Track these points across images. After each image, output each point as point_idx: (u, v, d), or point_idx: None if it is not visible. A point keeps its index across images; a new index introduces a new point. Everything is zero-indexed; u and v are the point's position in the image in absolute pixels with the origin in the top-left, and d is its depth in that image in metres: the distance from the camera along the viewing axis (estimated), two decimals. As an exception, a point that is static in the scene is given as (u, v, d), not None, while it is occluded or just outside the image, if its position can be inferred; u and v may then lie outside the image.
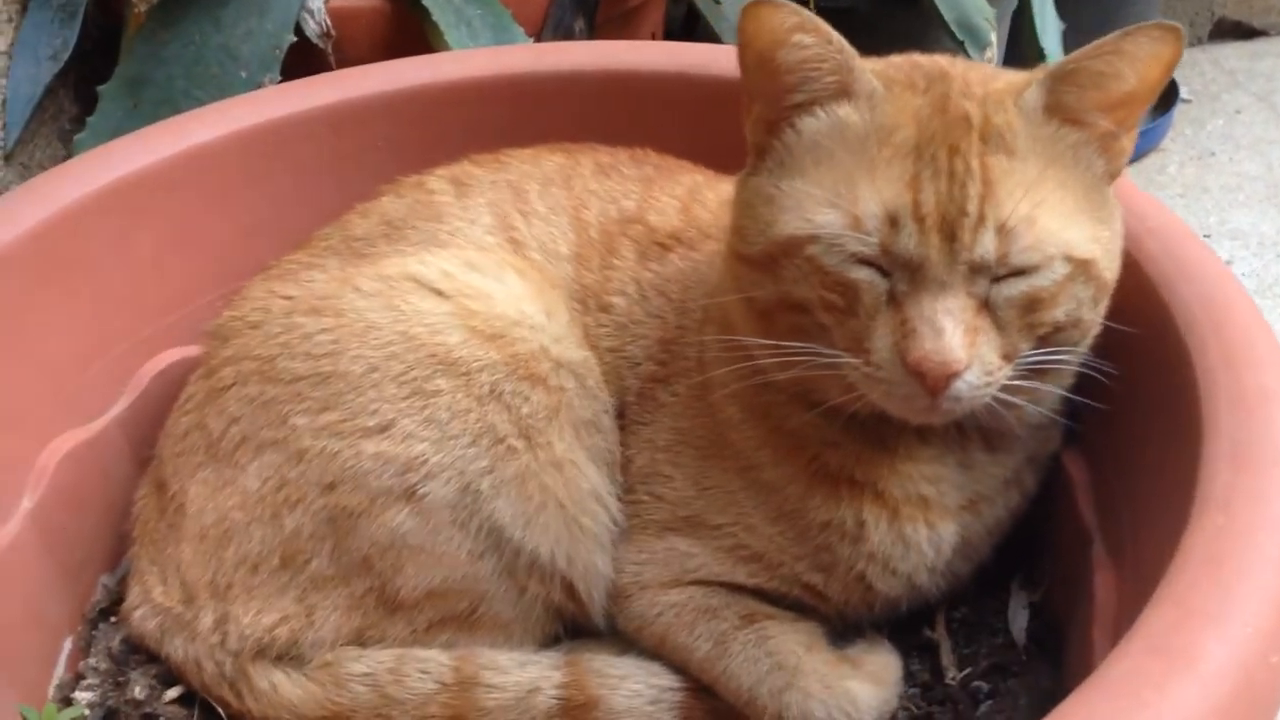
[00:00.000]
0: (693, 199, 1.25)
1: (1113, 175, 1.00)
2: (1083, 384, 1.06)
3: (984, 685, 1.14)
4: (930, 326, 0.92)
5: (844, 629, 1.16)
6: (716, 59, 1.43)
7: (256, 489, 1.13)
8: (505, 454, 1.09)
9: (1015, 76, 1.01)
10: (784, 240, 0.98)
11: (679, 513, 1.14)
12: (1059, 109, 0.96)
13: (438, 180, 1.28)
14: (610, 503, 1.15)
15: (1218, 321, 0.97)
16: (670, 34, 2.51)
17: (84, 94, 2.19)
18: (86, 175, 1.27)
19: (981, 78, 1.00)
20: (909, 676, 1.15)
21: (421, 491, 1.08)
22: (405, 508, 1.09)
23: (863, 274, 0.95)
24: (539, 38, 1.90)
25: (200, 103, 1.76)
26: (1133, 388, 1.04)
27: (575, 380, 1.15)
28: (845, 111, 0.98)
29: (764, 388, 1.07)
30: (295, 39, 1.81)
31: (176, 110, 1.77)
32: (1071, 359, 1.01)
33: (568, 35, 1.94)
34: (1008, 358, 0.96)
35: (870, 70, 0.99)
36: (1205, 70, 3.43)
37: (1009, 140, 0.95)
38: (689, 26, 2.73)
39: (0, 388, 1.17)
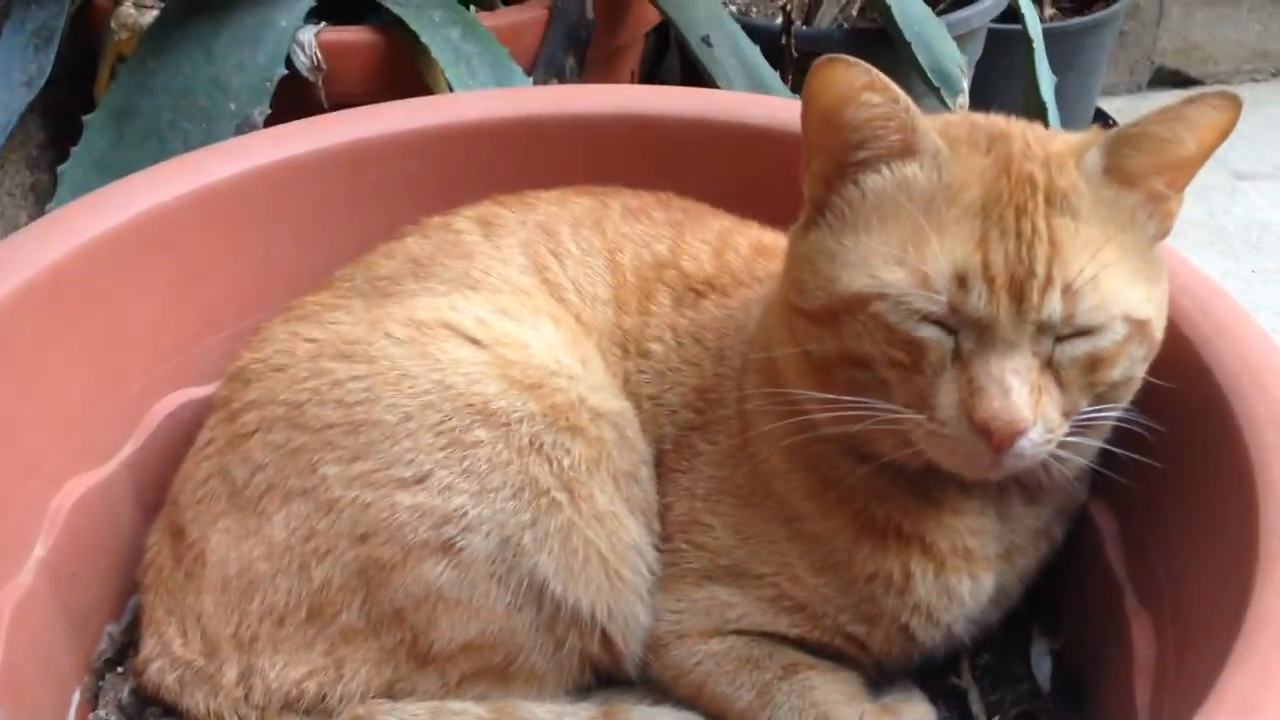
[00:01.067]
0: (724, 244, 1.25)
1: (1161, 236, 1.03)
2: (1115, 436, 1.08)
3: (1015, 733, 1.15)
4: (998, 386, 0.93)
5: (876, 677, 1.16)
6: (738, 106, 1.44)
7: (284, 539, 1.10)
8: (548, 507, 1.08)
9: (1072, 138, 1.03)
10: (849, 297, 0.99)
11: (720, 561, 1.14)
12: (1118, 172, 0.99)
13: (464, 220, 1.27)
14: (648, 553, 1.15)
15: (1258, 377, 1.00)
16: (642, 71, 2.54)
17: (53, 120, 2.14)
18: (103, 212, 1.24)
19: (1040, 139, 1.02)
20: (940, 725, 1.16)
21: (460, 544, 1.07)
22: (442, 561, 1.07)
23: (929, 332, 0.96)
24: (532, 75, 1.90)
25: (187, 134, 1.75)
26: (1166, 440, 1.06)
27: (614, 431, 1.14)
28: (911, 170, 1.00)
29: (812, 439, 1.07)
30: (286, 72, 1.80)
31: (163, 142, 1.75)
32: (1116, 414, 1.03)
33: (559, 73, 1.95)
34: (1067, 415, 0.98)
35: (933, 129, 1.00)
36: (1146, 116, 3.54)
37: (1074, 202, 0.97)
38: (656, 64, 2.77)
39: (16, 430, 1.14)
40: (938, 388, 0.96)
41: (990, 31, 2.54)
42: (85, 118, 1.73)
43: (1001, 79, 2.32)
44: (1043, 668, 1.21)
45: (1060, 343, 0.95)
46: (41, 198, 2.10)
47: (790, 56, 2.14)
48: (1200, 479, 1.02)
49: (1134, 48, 3.58)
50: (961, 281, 0.94)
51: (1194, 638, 0.95)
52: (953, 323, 0.95)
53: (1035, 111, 1.91)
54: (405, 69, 1.84)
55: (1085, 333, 0.95)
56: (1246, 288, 2.75)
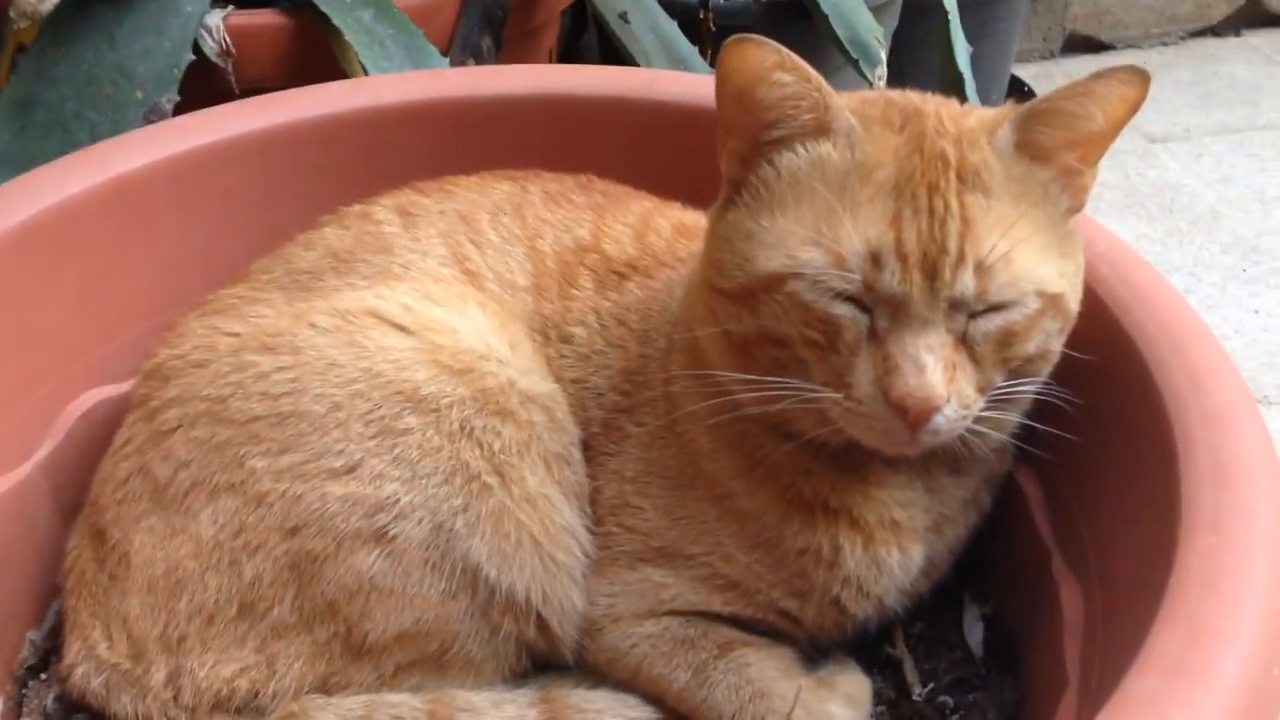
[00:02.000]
0: (646, 226, 1.25)
1: (1075, 210, 1.04)
2: (1038, 405, 1.09)
3: (949, 699, 1.16)
4: (913, 363, 0.94)
5: (810, 651, 1.17)
6: (655, 83, 1.43)
7: (212, 535, 1.08)
8: (480, 491, 1.07)
9: (985, 114, 1.04)
10: (765, 276, 0.99)
11: (651, 543, 1.14)
12: (1030, 147, 1.00)
13: (383, 210, 1.25)
14: (582, 535, 1.14)
15: (1177, 343, 1.02)
16: (559, 49, 2.52)
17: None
18: (6, 209, 1.20)
19: (953, 115, 1.02)
20: (875, 694, 1.16)
21: (392, 533, 1.06)
22: (375, 550, 1.06)
23: (844, 310, 0.96)
24: (448, 56, 1.87)
25: (93, 124, 1.69)
26: (1089, 407, 1.08)
27: (544, 414, 1.13)
28: (825, 149, 1.00)
29: (737, 419, 1.07)
30: (194, 58, 1.75)
31: (68, 133, 1.69)
32: (1032, 386, 1.04)
33: (476, 53, 1.92)
34: (982, 390, 0.99)
35: (847, 107, 1.01)
36: (1058, 81, 3.57)
37: (985, 179, 0.97)
38: (573, 42, 2.75)
39: (-75, 438, 1.10)
40: (854, 366, 0.97)
41: (907, 2, 2.56)
42: (-15, 109, 1.67)
43: (919, 49, 2.34)
44: (975, 634, 1.22)
45: (974, 319, 0.96)
46: (-58, 193, 2.03)
47: (709, 31, 2.14)
48: (1122, 444, 1.04)
49: (1046, 14, 3.64)
50: (875, 260, 0.95)
51: (1120, 600, 0.97)
52: (867, 301, 0.96)
53: (952, 82, 1.92)
54: (318, 53, 1.79)
55: (997, 308, 0.96)
56: (1162, 249, 2.81)
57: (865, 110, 1.02)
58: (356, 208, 1.27)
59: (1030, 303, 0.97)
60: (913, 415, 0.94)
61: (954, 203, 0.95)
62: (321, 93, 1.41)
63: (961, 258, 0.94)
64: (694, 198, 1.28)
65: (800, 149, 1.01)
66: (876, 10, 2.29)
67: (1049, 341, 1.01)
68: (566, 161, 1.34)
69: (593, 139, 1.41)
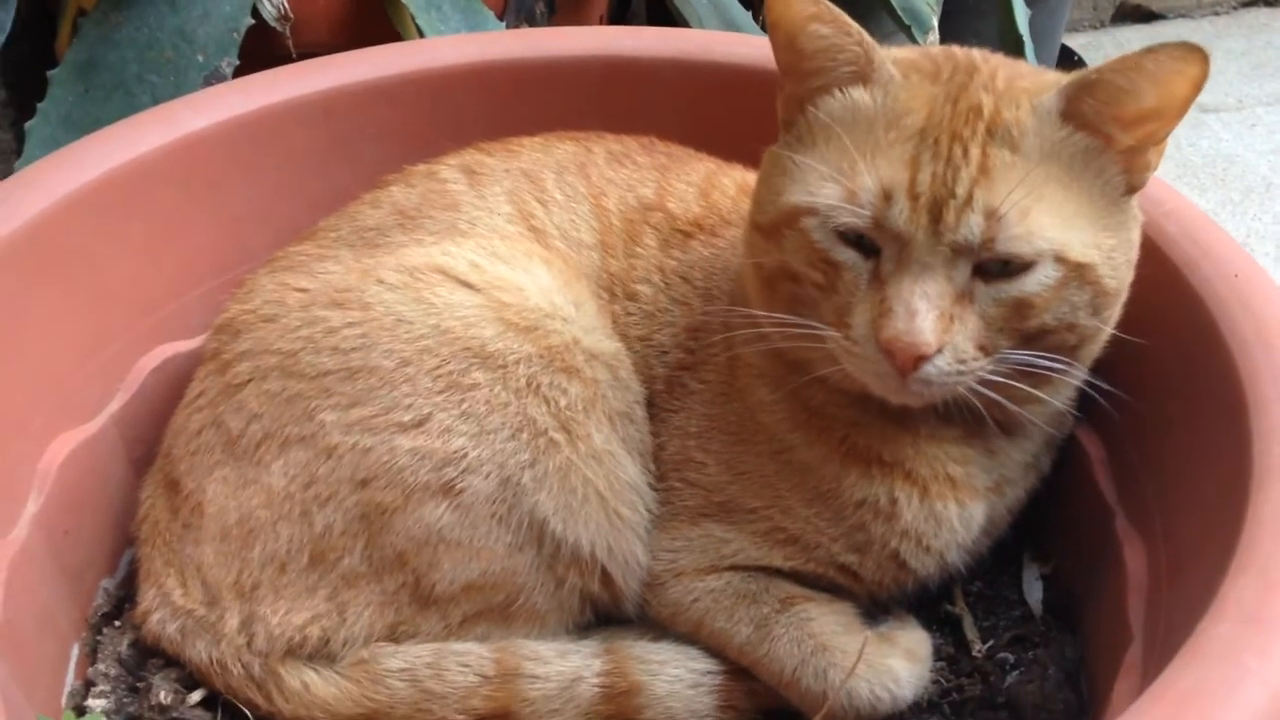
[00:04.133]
0: (710, 185, 1.25)
1: (1132, 188, 1.02)
2: (1100, 364, 1.09)
3: (1009, 656, 1.17)
4: (905, 308, 0.95)
5: (870, 608, 1.18)
6: (714, 45, 1.44)
7: (283, 486, 1.10)
8: (547, 447, 1.09)
9: (1043, 77, 1.03)
10: (788, 210, 1.01)
11: (713, 498, 1.15)
12: (1075, 116, 0.98)
13: (449, 169, 1.26)
14: (645, 492, 1.16)
15: (1246, 301, 1.02)
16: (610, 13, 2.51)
17: (13, 80, 2.09)
18: (79, 167, 1.22)
19: (1010, 74, 1.02)
20: (934, 651, 1.17)
21: (460, 486, 1.07)
22: (443, 503, 1.08)
23: (847, 254, 0.98)
24: (503, 19, 1.87)
25: (154, 88, 1.71)
26: (1154, 365, 1.08)
27: (608, 372, 1.15)
28: (859, 95, 1.02)
29: (790, 368, 1.09)
30: (253, 22, 1.76)
31: (130, 96, 1.71)
32: (1071, 368, 1.03)
33: (529, 16, 1.93)
34: (985, 350, 0.98)
35: (895, 60, 1.02)
36: (1110, 52, 3.53)
37: (1015, 136, 0.97)
38: (623, 7, 2.74)
39: (3, 389, 1.12)
40: (853, 307, 0.98)
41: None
42: (50, 73, 1.69)
43: (971, 17, 2.32)
44: (1034, 593, 1.23)
45: (989, 281, 0.96)
46: (5, 156, 2.06)
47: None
48: (1190, 400, 1.04)
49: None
50: (887, 197, 0.96)
51: (1188, 554, 0.98)
52: (876, 240, 0.97)
53: (1011, 46, 1.90)
54: (374, 16, 1.80)
55: (1013, 268, 0.95)
56: (1214, 219, 2.78)
57: (915, 62, 1.04)
58: (422, 167, 1.28)
59: (1049, 269, 0.96)
60: (899, 359, 0.95)
61: (975, 152, 0.96)
62: (381, 54, 1.43)
63: (969, 202, 0.94)
64: (754, 161, 1.27)
65: (839, 94, 1.02)
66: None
67: (1074, 315, 0.99)
68: (626, 123, 1.34)
69: (652, 101, 1.42)
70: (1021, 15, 1.87)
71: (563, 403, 1.10)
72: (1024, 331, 0.98)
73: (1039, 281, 0.96)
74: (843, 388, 1.07)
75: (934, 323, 0.94)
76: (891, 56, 1.03)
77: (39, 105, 1.68)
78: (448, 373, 1.08)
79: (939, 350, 0.95)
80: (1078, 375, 1.05)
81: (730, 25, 1.97)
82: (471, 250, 1.16)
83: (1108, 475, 1.16)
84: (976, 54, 1.07)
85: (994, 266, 0.96)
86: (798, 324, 1.02)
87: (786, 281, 1.04)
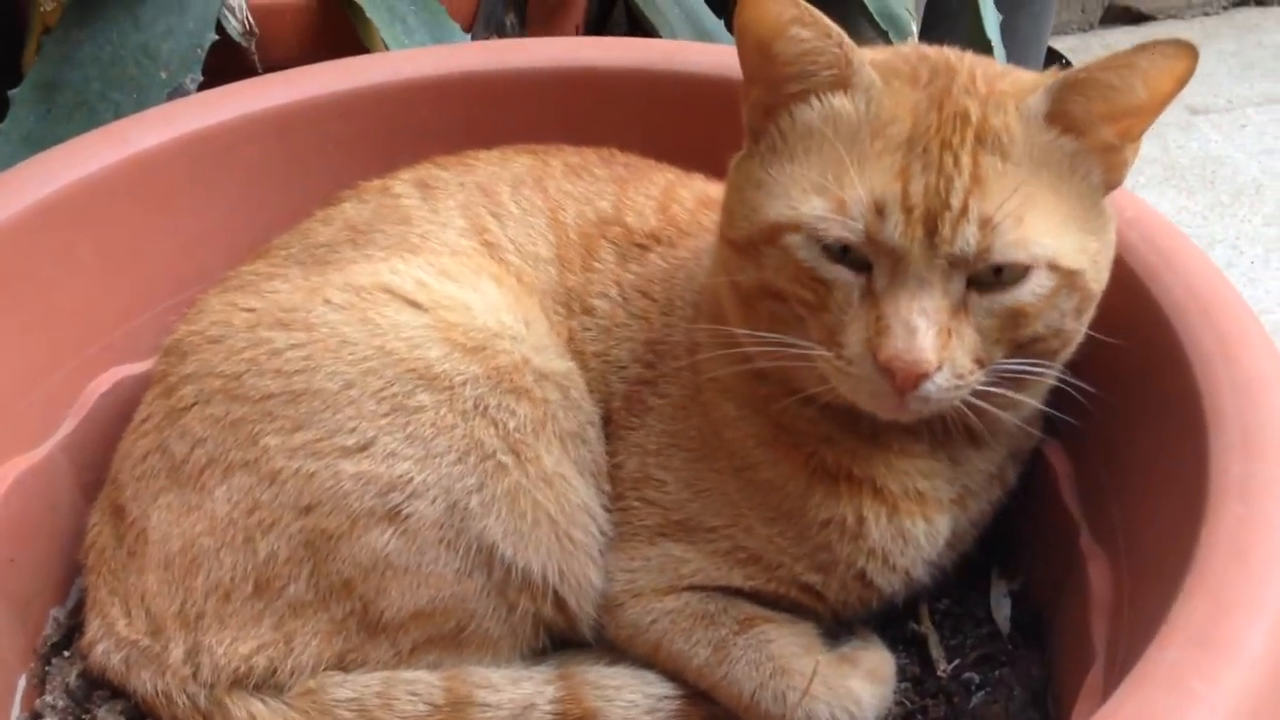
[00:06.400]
0: (668, 198, 1.23)
1: (1110, 186, 0.99)
2: (1065, 377, 1.06)
3: (975, 676, 1.14)
4: (904, 325, 0.91)
5: (834, 627, 1.15)
6: (677, 54, 1.41)
7: (226, 513, 1.08)
8: (495, 470, 1.06)
9: (1022, 78, 1.00)
10: (767, 226, 0.98)
11: (672, 517, 1.12)
12: (1062, 117, 0.96)
13: (402, 184, 1.24)
14: (598, 514, 1.13)
15: (1207, 310, 0.99)
16: (587, 26, 2.49)
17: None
18: (27, 186, 1.20)
19: (988, 75, 0.99)
20: (899, 671, 1.14)
21: (406, 511, 1.05)
22: (389, 529, 1.05)
23: (836, 271, 0.94)
24: (471, 33, 1.86)
25: (118, 105, 1.69)
26: (1118, 378, 1.05)
27: (559, 391, 1.12)
28: (840, 102, 0.98)
29: (758, 382, 1.06)
30: (217, 38, 1.74)
31: (93, 114, 1.69)
32: (1050, 370, 1.01)
33: (500, 29, 1.91)
34: (980, 363, 0.95)
35: (871, 62, 0.98)
36: (1096, 54, 3.50)
37: (1005, 142, 0.94)
38: (603, 18, 2.72)
39: (-54, 415, 1.11)
40: (845, 325, 0.95)
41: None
42: (10, 93, 1.68)
43: (954, 22, 2.29)
44: (1003, 610, 1.20)
45: (982, 295, 0.93)
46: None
47: (735, 4, 2.10)
48: (1152, 414, 1.02)
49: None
50: (879, 210, 0.92)
51: (1148, 573, 0.95)
52: (868, 254, 0.93)
53: (980, 50, 1.87)
54: (341, 31, 1.78)
55: (1007, 278, 0.93)
56: (1204, 222, 2.76)
57: (893, 65, 1.00)
58: (376, 182, 1.26)
59: (1042, 278, 0.93)
60: (900, 379, 0.92)
61: (966, 160, 0.93)
62: (341, 68, 1.40)
63: (964, 213, 0.91)
64: (717, 171, 1.25)
65: (816, 101, 0.99)
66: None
67: (1062, 321, 0.97)
68: (588, 135, 1.32)
69: (615, 112, 1.40)
70: (991, 20, 1.85)
71: (511, 424, 1.08)
72: (1017, 340, 0.96)
73: (1032, 291, 0.94)
74: (827, 404, 1.03)
75: (934, 339, 0.91)
76: (868, 59, 0.99)
77: (-1, 125, 1.66)
78: (392, 395, 1.06)
79: (939, 367, 0.92)
80: (1053, 376, 1.02)
81: (704, 36, 1.95)
82: (419, 268, 1.13)
83: (1073, 489, 1.13)
84: (950, 53, 1.04)
85: (986, 277, 0.93)
86: (783, 343, 0.98)
87: (768, 300, 1.00)
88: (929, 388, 0.92)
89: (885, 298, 0.93)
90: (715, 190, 1.24)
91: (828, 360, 0.96)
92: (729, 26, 2.03)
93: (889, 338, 0.91)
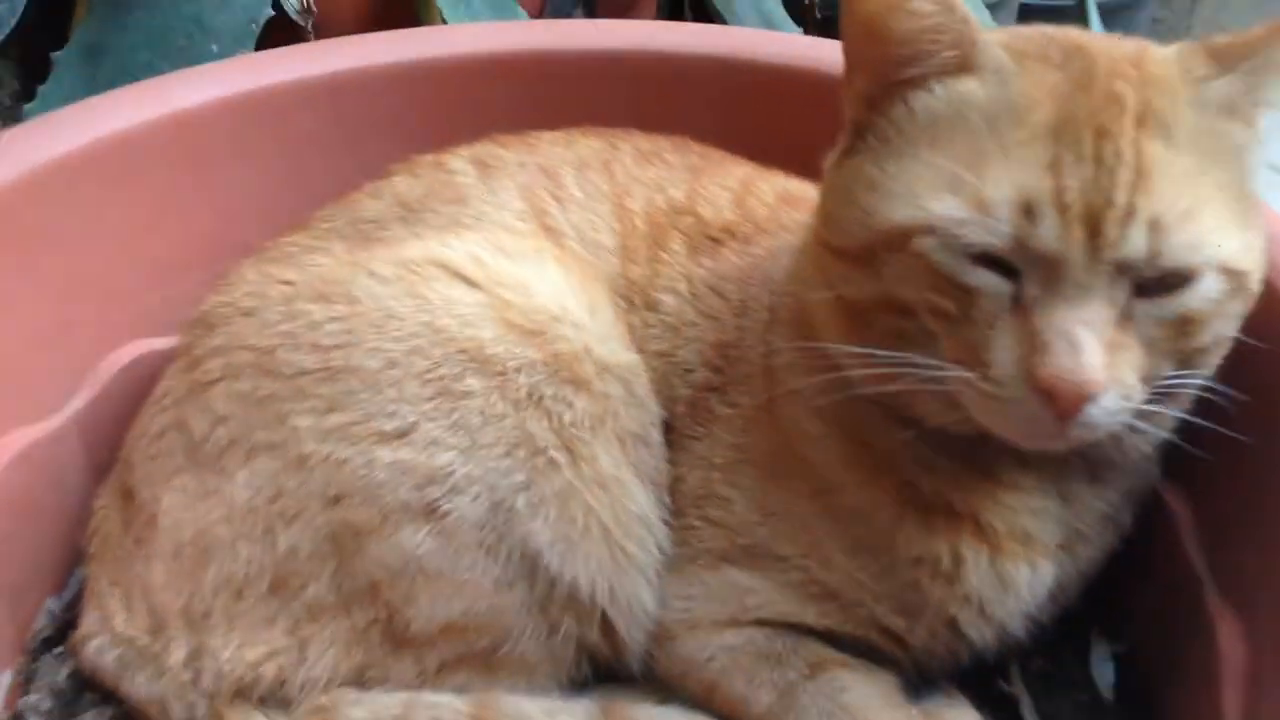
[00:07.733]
0: (746, 191, 1.12)
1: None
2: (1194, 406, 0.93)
3: (1073, 747, 1.01)
4: (1066, 340, 0.79)
5: (915, 680, 1.02)
6: (757, 43, 1.32)
7: (246, 499, 0.97)
8: (545, 468, 0.95)
9: (1167, 54, 0.88)
10: (889, 231, 0.85)
11: (738, 541, 1.00)
12: (1225, 99, 0.84)
13: (459, 160, 1.14)
14: (657, 527, 1.01)
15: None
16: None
17: (28, 69, 2.01)
18: (55, 136, 1.10)
19: (1128, 54, 0.86)
20: (987, 735, 1.01)
21: (445, 508, 0.94)
22: (424, 527, 0.94)
23: (982, 277, 0.82)
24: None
25: (164, 76, 1.62)
26: (1255, 413, 0.92)
27: (622, 386, 1.01)
28: (969, 87, 0.85)
29: (852, 400, 0.93)
30: (273, 14, 1.67)
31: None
32: (1200, 382, 0.88)
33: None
34: (1146, 380, 0.83)
35: (996, 42, 0.86)
36: None
37: (1170, 127, 0.82)
38: (675, 15, 2.63)
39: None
40: (992, 340, 0.81)
41: (1025, 7, 2.42)
42: (54, 55, 1.61)
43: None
44: (1105, 675, 1.07)
45: (1149, 299, 0.81)
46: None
47: (813, 18, 2.00)
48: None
49: (1168, 35, 3.46)
50: (1028, 210, 0.79)
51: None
52: (1015, 262, 0.81)
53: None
54: (401, 11, 1.71)
55: (1174, 282, 0.81)
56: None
57: (1018, 44, 0.88)
58: (430, 157, 1.17)
59: (1212, 281, 0.82)
60: (1063, 403, 0.79)
61: (1128, 151, 0.80)
62: (396, 38, 1.32)
63: (1131, 212, 0.79)
64: (792, 168, 1.16)
65: (938, 88, 0.86)
66: (993, 8, 2.15)
67: (1228, 328, 0.85)
68: (658, 122, 1.22)
69: (687, 100, 1.30)
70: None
71: (567, 418, 0.96)
72: (1183, 353, 0.84)
73: (1202, 295, 0.82)
74: (938, 428, 0.90)
75: (1101, 356, 0.79)
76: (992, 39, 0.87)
77: (39, 88, 1.59)
78: (439, 377, 0.95)
79: (1106, 388, 0.79)
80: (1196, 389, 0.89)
81: (770, 26, 1.85)
82: (475, 243, 1.03)
83: (1196, 539, 0.99)
84: (1074, 32, 0.91)
85: (1152, 282, 0.81)
86: (906, 363, 0.85)
87: (889, 315, 0.87)
88: (1094, 412, 0.79)
89: (1039, 309, 0.80)
90: (797, 186, 1.14)
91: (968, 382, 0.83)
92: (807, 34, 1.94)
93: (1050, 355, 0.79)
